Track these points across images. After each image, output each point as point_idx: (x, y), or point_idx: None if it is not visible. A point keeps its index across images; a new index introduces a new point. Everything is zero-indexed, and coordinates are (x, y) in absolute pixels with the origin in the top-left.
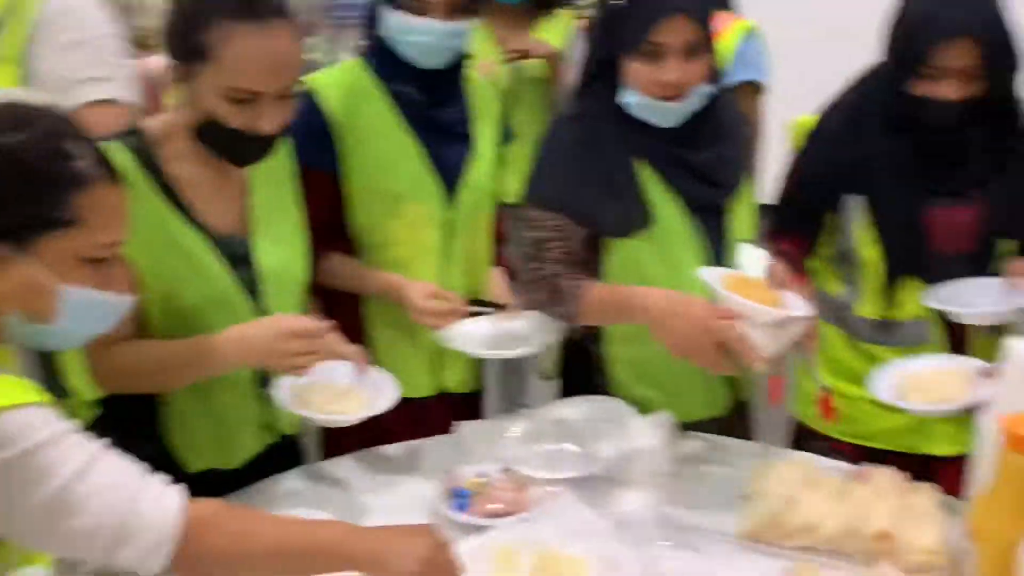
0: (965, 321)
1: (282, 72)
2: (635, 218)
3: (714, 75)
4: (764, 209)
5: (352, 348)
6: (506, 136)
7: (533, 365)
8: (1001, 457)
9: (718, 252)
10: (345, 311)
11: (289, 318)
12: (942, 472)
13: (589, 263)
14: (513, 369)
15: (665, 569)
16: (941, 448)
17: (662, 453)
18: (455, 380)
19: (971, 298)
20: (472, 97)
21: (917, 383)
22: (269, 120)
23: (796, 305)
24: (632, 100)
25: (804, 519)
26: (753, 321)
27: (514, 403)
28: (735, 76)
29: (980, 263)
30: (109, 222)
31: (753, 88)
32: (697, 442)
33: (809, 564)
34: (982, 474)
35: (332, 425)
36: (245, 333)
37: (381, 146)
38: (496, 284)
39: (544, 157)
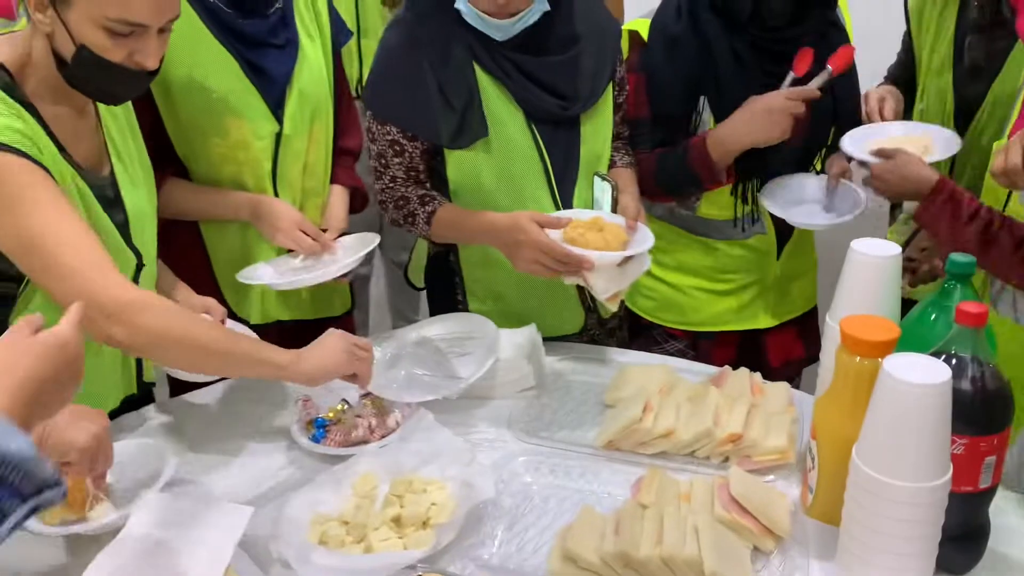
0: (802, 226)
1: (167, 4)
2: (472, 128)
3: None
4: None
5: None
6: (343, 33)
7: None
8: (838, 358)
9: (567, 168)
10: (184, 240)
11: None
12: (769, 341)
13: (434, 173)
14: (397, 285)
15: (524, 484)
16: (764, 321)
17: (526, 367)
18: (318, 304)
19: (801, 196)
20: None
21: None
22: (153, 55)
23: (640, 239)
24: (463, 8)
25: (661, 426)
26: (596, 267)
27: (404, 318)
28: None
29: (808, 153)
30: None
31: None
32: (560, 354)
33: (658, 469)
34: (826, 374)
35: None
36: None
37: (194, 61)
38: (335, 203)
39: (377, 64)
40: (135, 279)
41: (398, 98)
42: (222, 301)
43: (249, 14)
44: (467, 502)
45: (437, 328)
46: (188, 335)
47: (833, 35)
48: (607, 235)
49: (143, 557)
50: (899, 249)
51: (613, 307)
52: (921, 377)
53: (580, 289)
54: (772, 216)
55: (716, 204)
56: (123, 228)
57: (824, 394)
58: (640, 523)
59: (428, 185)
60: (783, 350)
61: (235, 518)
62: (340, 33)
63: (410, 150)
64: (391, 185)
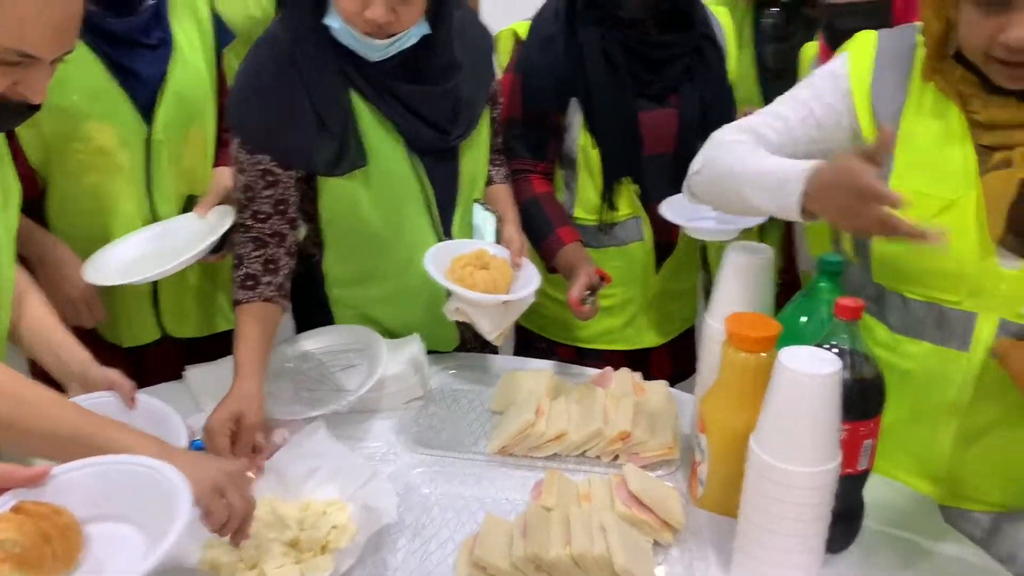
0: (697, 236)
1: (66, 35)
2: (351, 156)
3: (438, 14)
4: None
5: None
6: (225, 33)
7: None
8: (724, 354)
9: (447, 197)
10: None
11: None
12: (655, 357)
13: (307, 202)
14: None
15: (422, 496)
16: (650, 340)
17: (412, 377)
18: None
19: (698, 211)
20: None
21: None
22: (41, 90)
23: (527, 279)
24: (335, 24)
25: (553, 429)
26: (480, 307)
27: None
28: None
29: (680, 165)
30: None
31: None
32: (442, 364)
33: (558, 470)
34: (707, 371)
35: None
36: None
37: None
38: (216, 175)
39: (244, 85)
40: None
41: (271, 123)
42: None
43: (117, 11)
44: (369, 526)
45: (318, 341)
46: None
47: (708, 50)
48: (494, 273)
49: None
50: (771, 250)
51: (501, 342)
52: (815, 367)
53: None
54: (655, 226)
55: (588, 208)
56: None
57: (710, 390)
58: (547, 525)
59: (294, 220)
60: (666, 366)
61: None
62: (223, 32)
63: (284, 180)
64: (249, 223)
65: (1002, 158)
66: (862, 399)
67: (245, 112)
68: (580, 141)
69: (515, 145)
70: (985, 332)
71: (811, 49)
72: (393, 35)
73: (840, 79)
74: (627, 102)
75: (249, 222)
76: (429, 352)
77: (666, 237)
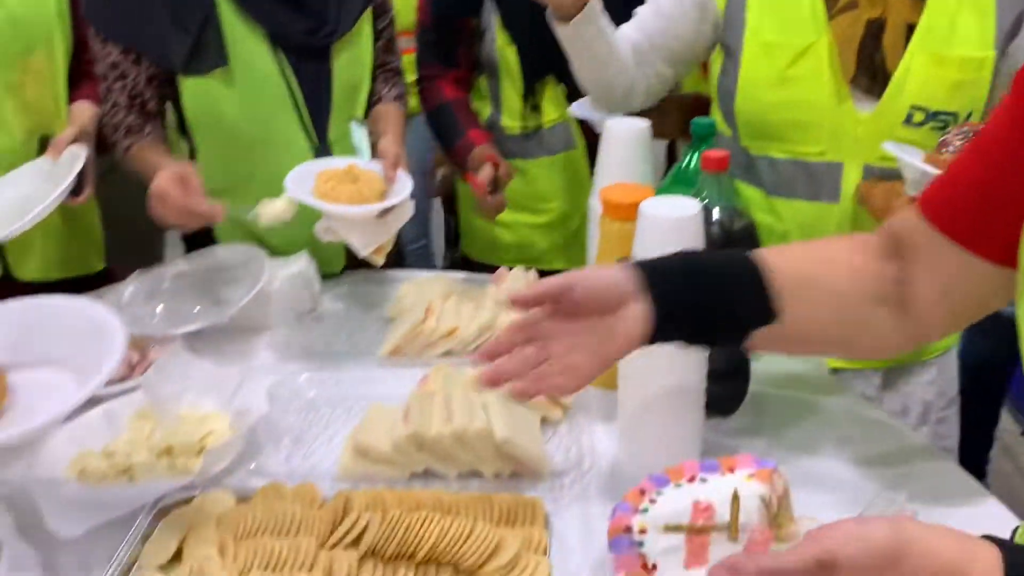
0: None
1: None
2: (209, 53)
3: None
4: None
5: None
6: None
7: None
8: (602, 227)
9: (319, 102)
10: None
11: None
12: None
13: (164, 100)
14: None
15: (308, 400)
16: (554, 263)
17: (302, 291)
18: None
19: None
20: None
21: None
22: None
23: (398, 188)
24: None
25: (444, 325)
26: (349, 221)
27: None
28: None
29: None
30: None
31: None
32: (335, 281)
33: (444, 364)
34: (592, 252)
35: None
36: None
37: None
38: (74, 111)
39: None
40: None
41: (120, 14)
42: None
43: None
44: (242, 423)
45: (198, 261)
46: None
47: None
48: (361, 186)
49: None
50: (647, 123)
51: (379, 260)
52: (675, 212)
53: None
54: (587, 132)
55: (513, 114)
56: None
57: (592, 263)
58: (430, 407)
59: (153, 114)
60: None
61: None
62: None
63: (133, 74)
64: (111, 111)
65: (847, 0)
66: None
67: (96, 2)
68: (498, 42)
69: (424, 52)
70: (851, 180)
71: None
72: None
73: None
74: None
75: (110, 110)
76: (324, 277)
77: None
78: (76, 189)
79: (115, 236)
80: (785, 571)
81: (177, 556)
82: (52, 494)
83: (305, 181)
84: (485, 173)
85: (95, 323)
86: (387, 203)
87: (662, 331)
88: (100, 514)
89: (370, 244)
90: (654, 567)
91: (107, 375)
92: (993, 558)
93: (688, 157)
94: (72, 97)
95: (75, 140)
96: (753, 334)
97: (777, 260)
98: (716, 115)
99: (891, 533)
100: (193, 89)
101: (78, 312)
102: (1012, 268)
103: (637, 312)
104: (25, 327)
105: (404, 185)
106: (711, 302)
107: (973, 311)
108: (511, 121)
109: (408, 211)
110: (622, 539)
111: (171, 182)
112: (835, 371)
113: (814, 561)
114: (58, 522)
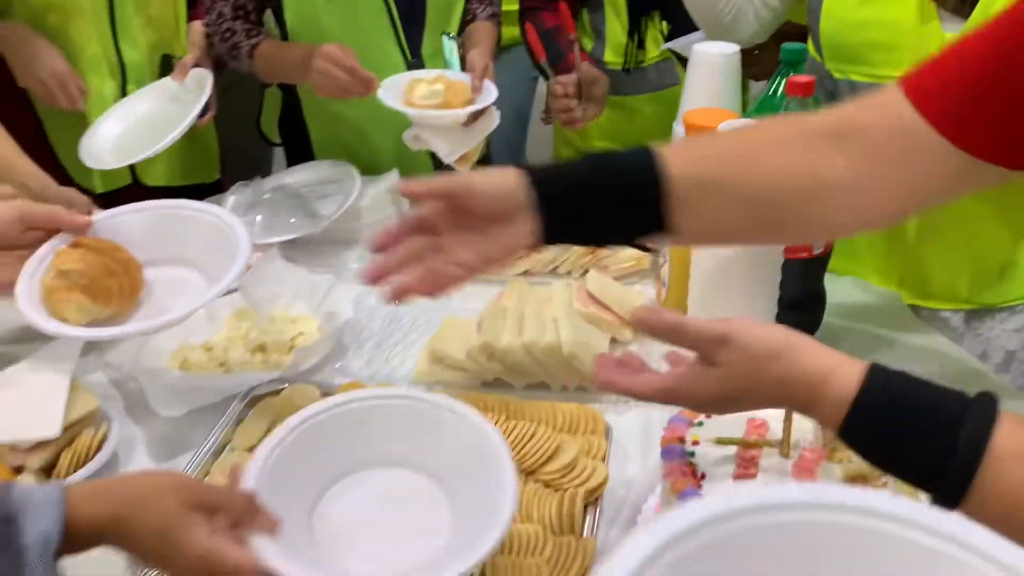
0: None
1: None
2: None
3: None
4: None
5: None
6: None
7: None
8: None
9: (413, 17)
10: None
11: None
12: None
13: (273, 16)
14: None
15: (391, 309)
16: None
17: (390, 207)
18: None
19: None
20: None
21: None
22: None
23: (484, 96)
24: None
25: None
26: (435, 128)
27: None
28: None
29: None
30: None
31: None
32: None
33: (520, 280)
34: None
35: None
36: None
37: None
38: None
39: None
40: None
41: None
42: (58, 168)
43: None
44: (330, 326)
45: (296, 176)
46: None
47: None
48: (449, 95)
49: None
50: (737, 48)
51: (464, 170)
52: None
53: (433, 155)
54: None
55: (617, 49)
56: None
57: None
58: (502, 320)
59: (256, 24)
60: None
61: None
62: None
63: None
64: (218, 20)
65: None
66: None
67: None
68: None
69: None
70: None
71: None
72: None
73: None
74: None
75: (216, 20)
76: None
77: None
78: (202, 111)
79: (228, 149)
80: (686, 329)
81: None
82: (157, 380)
83: (396, 88)
84: (569, 78)
85: (222, 228)
86: (471, 108)
87: (549, 242)
88: (198, 399)
89: (455, 152)
90: (703, 476)
91: (236, 276)
92: (857, 371)
93: (775, 82)
94: (189, 16)
95: (196, 64)
96: (651, 239)
97: (681, 164)
98: (809, 42)
99: (783, 335)
100: (295, 3)
101: (207, 217)
102: (1000, 165)
103: (526, 226)
104: (160, 228)
105: (489, 93)
106: (599, 220)
107: (924, 202)
108: (614, 56)
109: (494, 120)
110: (674, 448)
111: (340, 48)
112: (913, 308)
113: (713, 333)
114: (161, 405)
